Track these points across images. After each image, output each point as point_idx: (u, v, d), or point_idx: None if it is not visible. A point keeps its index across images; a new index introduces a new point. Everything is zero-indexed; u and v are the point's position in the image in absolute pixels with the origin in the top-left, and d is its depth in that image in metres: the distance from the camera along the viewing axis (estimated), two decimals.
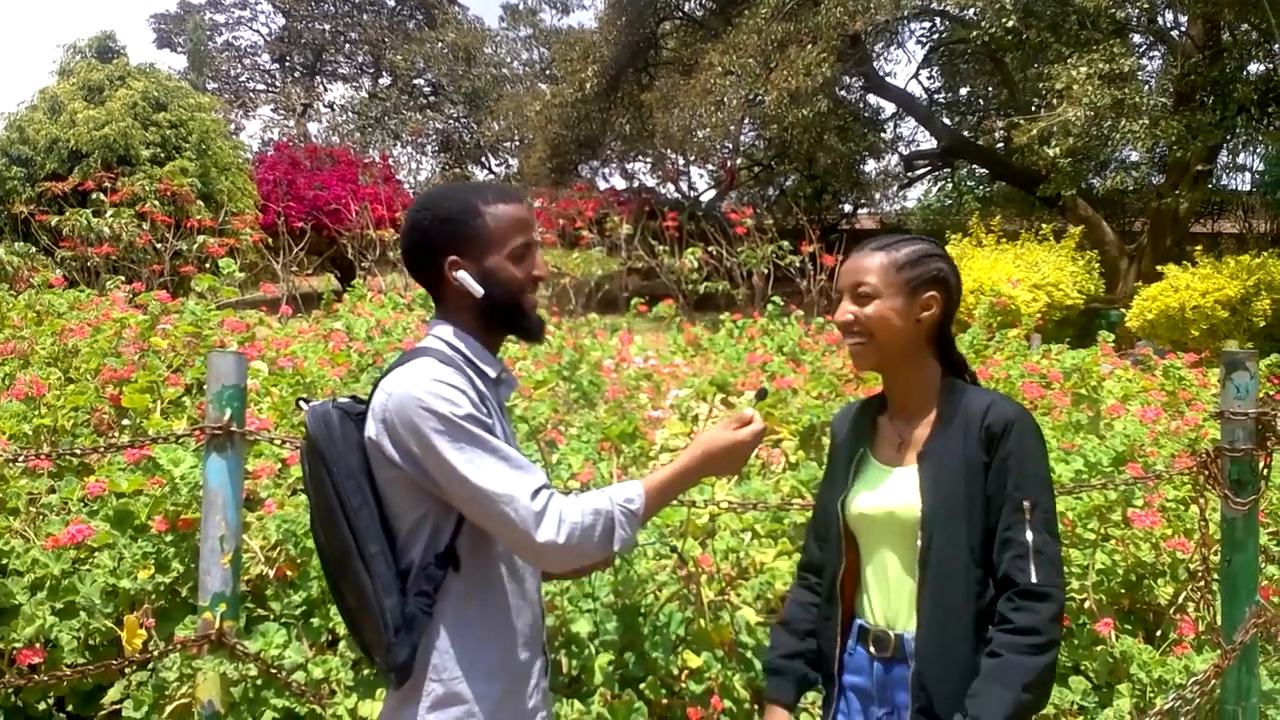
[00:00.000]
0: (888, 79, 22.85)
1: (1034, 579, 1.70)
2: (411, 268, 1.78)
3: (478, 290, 1.70)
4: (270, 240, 11.63)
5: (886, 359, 1.88)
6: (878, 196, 27.51)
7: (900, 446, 1.90)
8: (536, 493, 1.58)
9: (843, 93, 21.31)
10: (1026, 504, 1.74)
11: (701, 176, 27.29)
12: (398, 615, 1.59)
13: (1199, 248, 13.15)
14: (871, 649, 1.86)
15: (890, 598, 1.86)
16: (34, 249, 10.60)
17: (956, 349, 1.96)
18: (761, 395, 1.90)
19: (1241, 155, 19.91)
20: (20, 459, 3.46)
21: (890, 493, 1.86)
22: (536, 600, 1.81)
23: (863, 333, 1.85)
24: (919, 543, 1.79)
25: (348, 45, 35.25)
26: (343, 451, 1.64)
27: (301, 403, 1.76)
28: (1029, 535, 1.72)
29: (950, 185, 26.30)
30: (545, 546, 1.56)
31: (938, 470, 1.80)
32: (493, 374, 1.75)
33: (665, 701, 3.00)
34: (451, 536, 1.64)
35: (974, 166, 23.49)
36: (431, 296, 1.79)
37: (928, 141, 24.44)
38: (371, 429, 1.63)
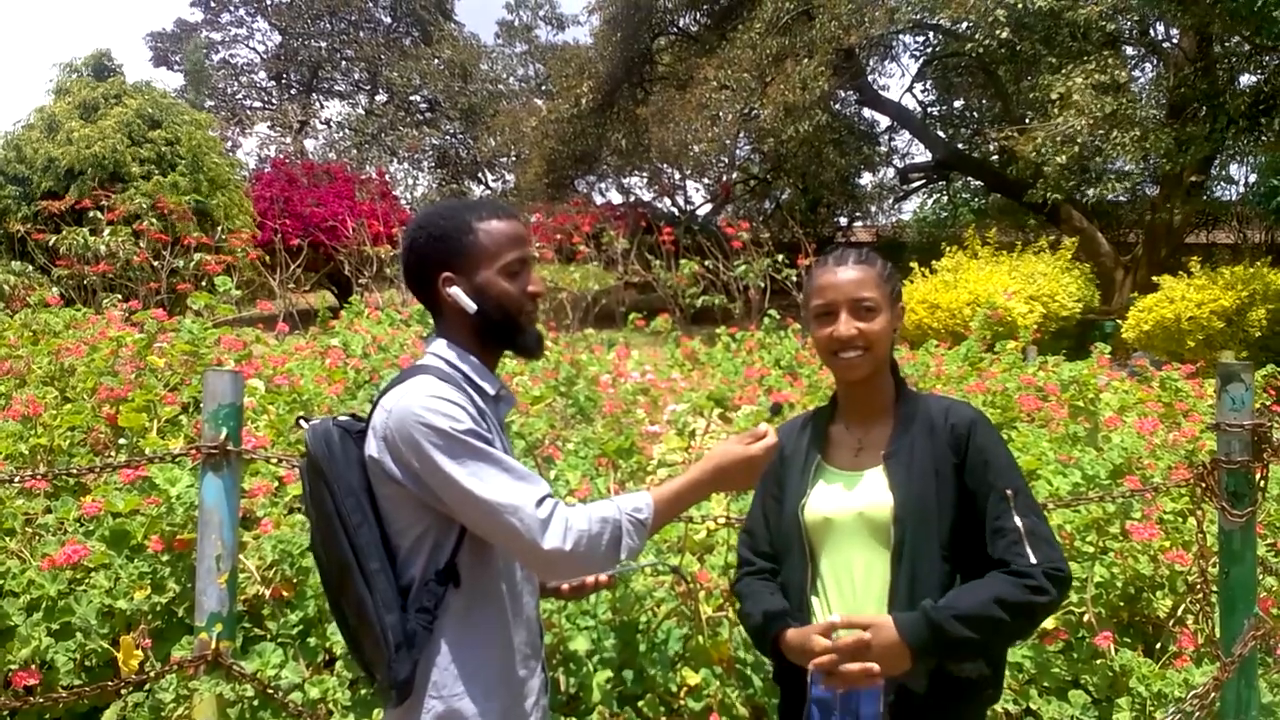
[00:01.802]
0: (882, 93, 22.98)
1: (1033, 560, 1.74)
2: (410, 285, 1.80)
3: (470, 306, 1.71)
4: (267, 257, 11.63)
5: (875, 369, 1.93)
6: (873, 209, 27.62)
7: (859, 451, 1.95)
8: (541, 501, 1.57)
9: (838, 107, 21.41)
10: (1009, 492, 1.80)
11: (697, 190, 27.37)
12: (398, 632, 1.59)
13: (1194, 258, 13.18)
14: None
15: (854, 604, 1.86)
16: (30, 268, 10.58)
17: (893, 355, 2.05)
18: (776, 410, 1.91)
19: (1233, 167, 20.03)
20: (16, 479, 3.45)
21: (857, 494, 1.89)
22: (535, 617, 1.81)
23: (864, 346, 1.90)
24: (892, 539, 1.82)
25: (344, 62, 35.37)
26: (343, 469, 1.64)
27: (302, 421, 1.76)
28: (1017, 520, 1.78)
29: (945, 198, 26.40)
30: (552, 554, 1.55)
31: (907, 468, 1.85)
32: (491, 391, 1.75)
33: (664, 718, 2.99)
34: (452, 553, 1.64)
35: (969, 179, 23.59)
36: (431, 314, 1.80)
37: (922, 154, 24.61)
38: (372, 446, 1.64)
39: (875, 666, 1.70)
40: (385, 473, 1.62)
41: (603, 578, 1.96)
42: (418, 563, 1.64)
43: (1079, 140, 13.92)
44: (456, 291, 1.71)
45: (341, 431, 1.68)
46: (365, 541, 1.61)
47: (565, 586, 1.95)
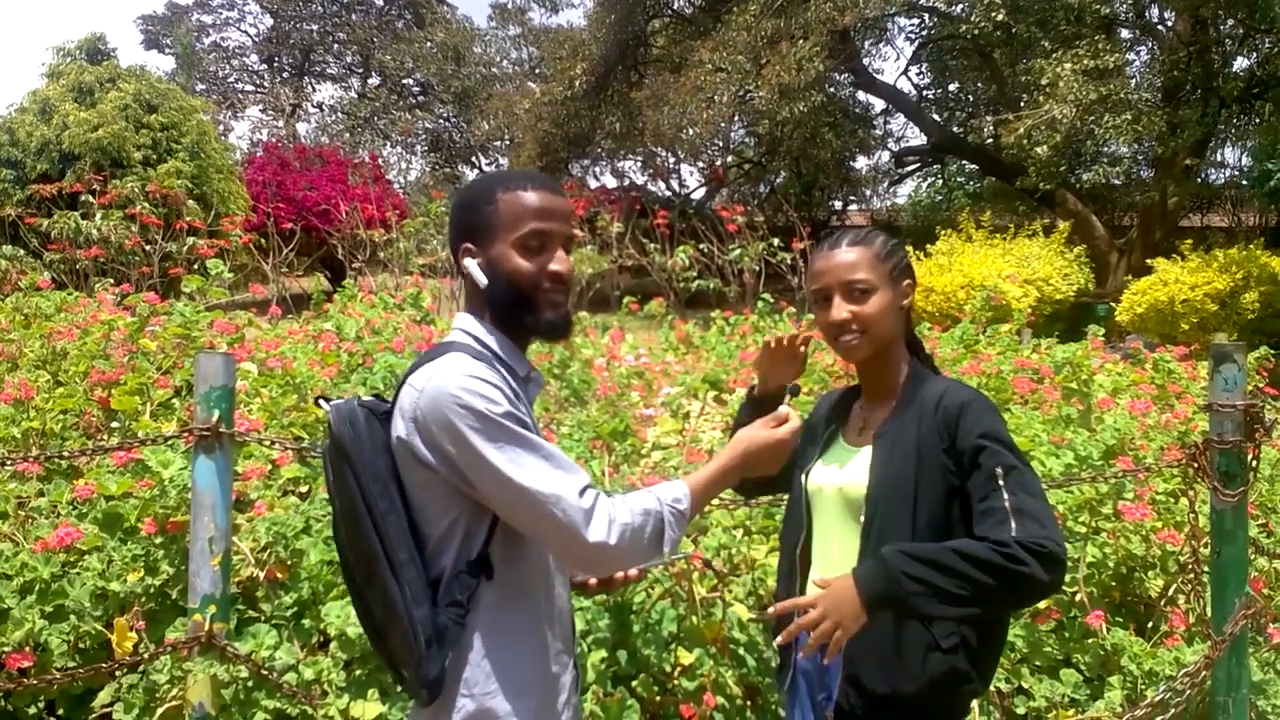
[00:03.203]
0: (877, 76, 22.89)
1: (1014, 533, 1.64)
2: (454, 259, 1.72)
3: (481, 280, 1.62)
4: (261, 241, 11.59)
5: (877, 350, 1.93)
6: (868, 193, 27.61)
7: (863, 430, 1.97)
8: (583, 492, 1.49)
9: (832, 89, 21.34)
10: (998, 470, 1.72)
11: (692, 174, 27.35)
12: (429, 627, 1.50)
13: (1188, 241, 13.19)
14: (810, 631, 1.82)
15: (827, 576, 1.83)
16: (22, 252, 10.53)
17: (915, 334, 2.03)
18: (794, 392, 1.90)
19: (1228, 150, 20.04)
20: (9, 462, 3.44)
21: (844, 471, 1.92)
22: (567, 609, 1.73)
23: (860, 329, 1.89)
24: (863, 518, 1.83)
25: (336, 45, 35.18)
26: (370, 453, 1.54)
27: (322, 401, 1.66)
28: (1005, 498, 1.69)
29: (940, 181, 26.40)
30: (595, 547, 1.47)
31: (889, 450, 1.85)
32: (521, 372, 1.67)
33: (658, 699, 3.00)
34: (484, 543, 1.55)
35: (964, 162, 23.57)
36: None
37: (917, 138, 24.55)
38: (400, 428, 1.53)
39: (816, 618, 1.64)
40: (415, 456, 1.52)
41: (633, 571, 1.86)
42: (448, 553, 1.54)
43: (1061, 128, 13.88)
44: (470, 264, 1.63)
45: (367, 412, 1.57)
46: (393, 530, 1.51)
47: (593, 581, 1.85)
